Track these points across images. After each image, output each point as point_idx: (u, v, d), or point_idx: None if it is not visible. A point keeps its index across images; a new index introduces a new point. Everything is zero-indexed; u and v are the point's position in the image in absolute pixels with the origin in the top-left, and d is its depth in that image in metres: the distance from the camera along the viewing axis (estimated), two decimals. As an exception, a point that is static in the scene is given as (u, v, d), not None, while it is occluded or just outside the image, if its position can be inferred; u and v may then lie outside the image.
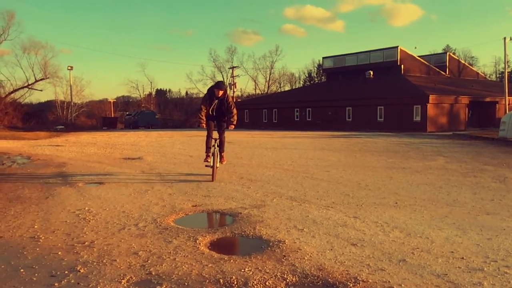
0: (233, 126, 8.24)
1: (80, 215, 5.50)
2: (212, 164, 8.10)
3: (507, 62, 34.54)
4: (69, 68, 48.42)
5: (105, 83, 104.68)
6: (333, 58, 42.32)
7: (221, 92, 7.98)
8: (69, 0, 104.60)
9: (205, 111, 8.06)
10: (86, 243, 4.35)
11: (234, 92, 56.11)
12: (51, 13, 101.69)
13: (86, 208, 5.90)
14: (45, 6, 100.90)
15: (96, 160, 11.83)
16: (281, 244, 4.27)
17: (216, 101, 8.03)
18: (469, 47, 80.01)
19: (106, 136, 25.48)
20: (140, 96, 70.62)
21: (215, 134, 8.34)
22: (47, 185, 7.87)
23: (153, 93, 72.46)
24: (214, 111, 8.14)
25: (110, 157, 12.67)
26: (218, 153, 8.29)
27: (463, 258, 3.87)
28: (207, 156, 8.20)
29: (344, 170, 9.67)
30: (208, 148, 8.27)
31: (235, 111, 8.19)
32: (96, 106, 64.11)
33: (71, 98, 51.84)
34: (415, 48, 36.67)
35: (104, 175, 9.03)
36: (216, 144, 8.24)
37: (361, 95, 33.43)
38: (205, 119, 8.12)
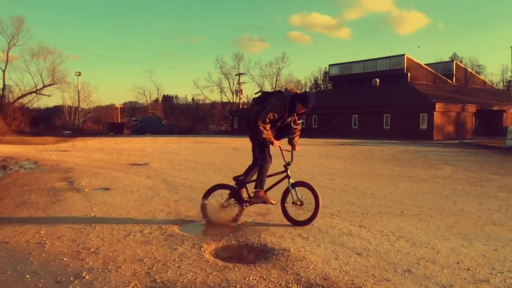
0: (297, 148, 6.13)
1: (86, 221, 5.53)
2: (287, 212, 5.61)
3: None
4: (77, 74, 48.82)
5: (112, 88, 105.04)
6: (340, 65, 42.31)
7: (305, 110, 5.58)
8: (78, 6, 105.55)
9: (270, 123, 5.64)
10: (92, 249, 4.37)
11: (240, 99, 56.31)
12: (60, 19, 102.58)
13: (92, 214, 5.93)
14: (54, 12, 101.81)
15: (102, 166, 11.89)
16: (286, 252, 4.26)
17: (292, 118, 5.70)
18: (476, 55, 79.31)
19: (112, 141, 25.62)
20: (147, 102, 70.98)
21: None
22: (53, 190, 7.91)
23: (160, 99, 72.77)
24: (279, 127, 5.88)
25: (117, 163, 12.74)
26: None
27: (469, 269, 3.84)
28: (261, 191, 5.68)
29: (350, 178, 9.65)
30: (261, 182, 5.82)
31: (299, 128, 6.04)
32: (103, 112, 64.42)
33: (79, 103, 52.25)
34: (418, 47, 36.29)
35: (110, 180, 9.07)
36: (288, 172, 5.90)
37: (368, 103, 33.36)
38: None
